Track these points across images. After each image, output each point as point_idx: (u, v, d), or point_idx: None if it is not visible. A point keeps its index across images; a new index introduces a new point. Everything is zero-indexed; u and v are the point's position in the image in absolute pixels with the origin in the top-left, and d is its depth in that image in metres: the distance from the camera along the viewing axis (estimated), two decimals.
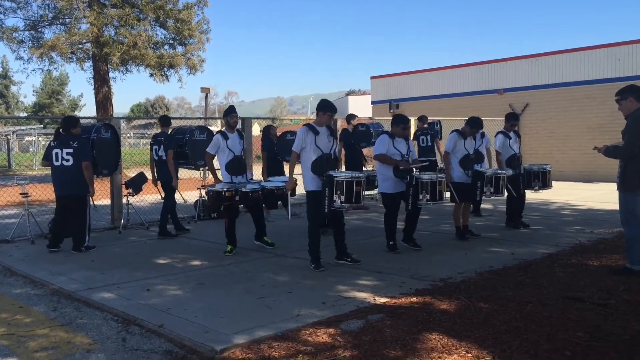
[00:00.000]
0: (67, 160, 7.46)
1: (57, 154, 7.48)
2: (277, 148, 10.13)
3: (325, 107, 6.38)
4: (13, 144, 33.52)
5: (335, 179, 6.06)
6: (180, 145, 9.34)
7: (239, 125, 8.27)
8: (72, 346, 4.15)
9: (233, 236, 7.39)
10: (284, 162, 10.04)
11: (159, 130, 9.14)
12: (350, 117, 11.01)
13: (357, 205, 6.41)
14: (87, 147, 7.67)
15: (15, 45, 21.12)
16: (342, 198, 6.04)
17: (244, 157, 7.56)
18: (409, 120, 7.31)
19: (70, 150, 7.45)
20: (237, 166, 7.36)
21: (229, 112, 7.58)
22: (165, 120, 9.03)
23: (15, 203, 12.03)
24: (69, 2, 19.66)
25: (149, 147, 8.99)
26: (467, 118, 8.11)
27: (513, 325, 4.28)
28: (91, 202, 7.95)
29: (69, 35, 20.04)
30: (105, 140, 8.46)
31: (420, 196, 7.00)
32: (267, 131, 10.35)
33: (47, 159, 7.62)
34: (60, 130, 7.75)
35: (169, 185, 8.67)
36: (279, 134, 10.64)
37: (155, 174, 8.85)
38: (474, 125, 7.85)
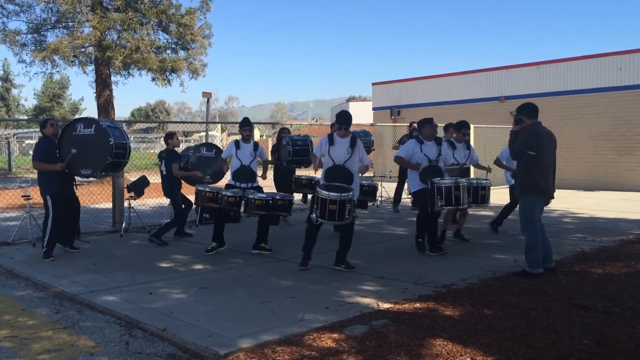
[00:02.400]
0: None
1: None
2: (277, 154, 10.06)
3: (348, 121, 6.61)
4: (14, 146, 33.54)
5: (317, 195, 6.25)
6: (185, 162, 9.32)
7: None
8: (75, 349, 4.13)
9: (218, 235, 7.56)
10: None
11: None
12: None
13: (339, 223, 6.37)
14: (37, 146, 7.48)
15: (17, 48, 21.09)
16: (317, 213, 6.23)
17: (252, 167, 7.71)
18: (432, 119, 7.37)
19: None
20: (242, 175, 7.60)
21: (242, 125, 7.89)
22: (169, 136, 8.86)
23: (16, 206, 12.01)
24: (72, 5, 19.68)
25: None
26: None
27: (518, 332, 4.27)
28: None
29: (72, 38, 20.04)
30: (87, 137, 7.39)
31: (437, 201, 6.94)
32: (281, 134, 10.22)
33: None
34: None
35: (171, 198, 8.64)
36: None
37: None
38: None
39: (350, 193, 6.25)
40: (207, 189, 7.37)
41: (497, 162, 8.93)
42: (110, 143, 7.17)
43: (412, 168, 7.22)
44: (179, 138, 9.30)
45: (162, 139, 9.28)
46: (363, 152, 6.79)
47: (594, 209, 12.33)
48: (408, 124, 12.06)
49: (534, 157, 5.96)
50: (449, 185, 6.97)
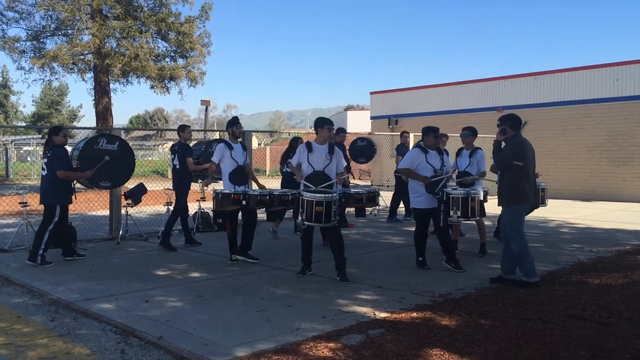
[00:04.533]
0: (44, 170, 7.49)
1: (43, 163, 7.60)
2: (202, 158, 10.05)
3: (324, 122, 6.64)
4: (11, 153, 33.50)
5: (301, 197, 6.29)
6: (197, 157, 9.33)
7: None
8: (71, 356, 4.12)
9: (236, 244, 7.53)
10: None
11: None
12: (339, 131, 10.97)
13: (325, 225, 6.38)
14: (59, 156, 7.38)
15: (17, 55, 21.16)
16: (304, 216, 6.25)
17: (246, 168, 7.59)
18: (438, 129, 7.23)
19: (45, 160, 7.49)
20: (240, 176, 7.45)
21: (234, 123, 7.71)
22: (181, 129, 8.90)
23: (13, 212, 11.99)
24: (72, 13, 19.76)
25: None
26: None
27: (514, 342, 4.27)
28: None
29: (71, 46, 20.11)
30: (108, 153, 8.00)
31: (452, 212, 6.83)
32: (294, 144, 10.18)
33: None
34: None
35: (179, 192, 8.66)
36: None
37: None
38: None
39: (335, 194, 6.33)
40: (232, 191, 7.08)
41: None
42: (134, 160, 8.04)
43: (420, 180, 6.94)
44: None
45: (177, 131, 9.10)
46: (340, 158, 6.83)
47: (591, 219, 12.35)
48: (400, 134, 12.08)
49: (520, 168, 6.04)
50: (465, 195, 6.86)
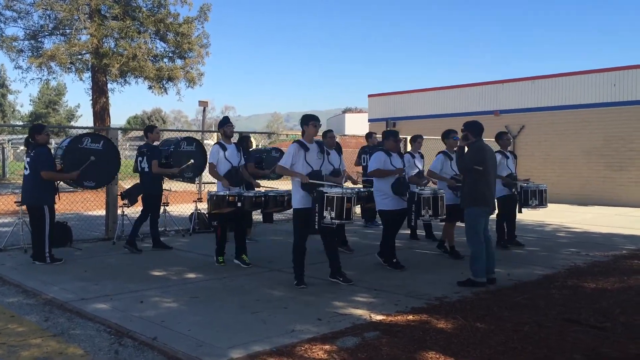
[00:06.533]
0: (26, 169, 7.41)
1: (25, 162, 7.49)
2: (265, 163, 10.05)
3: (309, 118, 6.43)
4: (8, 152, 33.41)
5: (326, 194, 5.98)
6: (166, 156, 9.15)
7: (235, 139, 8.27)
8: (65, 357, 4.09)
9: (223, 247, 7.46)
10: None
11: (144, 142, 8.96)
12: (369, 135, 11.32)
13: (348, 222, 6.26)
14: (43, 156, 7.29)
15: (14, 54, 21.10)
16: (332, 214, 5.97)
17: (240, 169, 7.54)
18: (398, 133, 7.52)
19: (28, 159, 7.38)
20: (235, 177, 7.37)
21: (225, 122, 7.64)
22: (149, 130, 8.62)
23: (9, 212, 11.95)
24: (70, 13, 19.73)
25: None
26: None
27: (510, 346, 4.26)
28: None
29: (69, 45, 20.06)
30: (92, 152, 7.99)
31: (423, 212, 7.08)
32: None
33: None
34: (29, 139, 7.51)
35: (149, 199, 8.51)
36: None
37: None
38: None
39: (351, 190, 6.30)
40: (227, 193, 7.04)
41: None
42: (120, 160, 8.02)
43: (393, 174, 7.01)
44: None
45: (143, 131, 8.84)
46: (336, 157, 6.74)
47: (588, 223, 12.36)
48: (365, 135, 11.76)
49: (480, 172, 6.29)
50: (435, 195, 7.15)
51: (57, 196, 7.58)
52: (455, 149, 7.75)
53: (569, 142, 18.35)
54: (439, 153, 8.25)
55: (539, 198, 8.76)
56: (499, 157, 8.63)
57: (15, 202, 8.58)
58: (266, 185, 8.62)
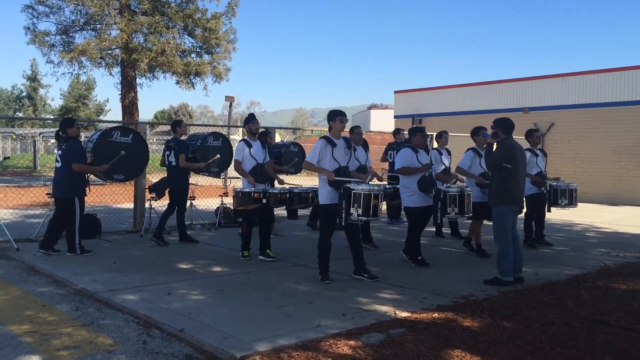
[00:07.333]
0: (58, 162, 7.53)
1: (57, 155, 7.61)
2: (284, 159, 10.08)
3: (336, 114, 6.35)
4: (39, 145, 34.12)
5: (353, 191, 5.94)
6: (193, 151, 9.28)
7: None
8: (94, 346, 4.17)
9: (249, 243, 7.51)
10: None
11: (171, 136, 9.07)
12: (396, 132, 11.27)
13: (375, 219, 6.24)
14: (74, 149, 7.41)
15: (46, 49, 21.52)
16: (360, 211, 5.92)
17: (265, 166, 7.58)
18: (425, 129, 7.49)
19: (60, 152, 7.51)
20: (260, 174, 7.40)
21: (251, 119, 7.64)
22: (177, 124, 8.74)
23: (40, 203, 12.21)
24: (101, 8, 20.05)
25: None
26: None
27: (537, 346, 4.21)
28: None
29: (99, 40, 20.40)
30: (122, 145, 8.10)
31: (449, 209, 7.02)
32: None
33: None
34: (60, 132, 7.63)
35: (176, 193, 8.61)
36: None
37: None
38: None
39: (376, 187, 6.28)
40: (252, 190, 7.06)
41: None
42: (148, 153, 8.19)
43: (419, 171, 7.02)
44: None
45: (170, 126, 8.94)
46: (363, 153, 6.75)
47: (618, 223, 12.12)
48: (392, 131, 11.70)
49: (509, 170, 6.20)
50: (461, 193, 7.08)
51: (87, 188, 7.71)
52: (484, 145, 7.65)
53: (599, 140, 18.00)
54: (468, 150, 8.16)
55: (569, 197, 8.63)
56: (528, 155, 8.50)
57: (46, 194, 8.76)
58: (290, 181, 8.66)
